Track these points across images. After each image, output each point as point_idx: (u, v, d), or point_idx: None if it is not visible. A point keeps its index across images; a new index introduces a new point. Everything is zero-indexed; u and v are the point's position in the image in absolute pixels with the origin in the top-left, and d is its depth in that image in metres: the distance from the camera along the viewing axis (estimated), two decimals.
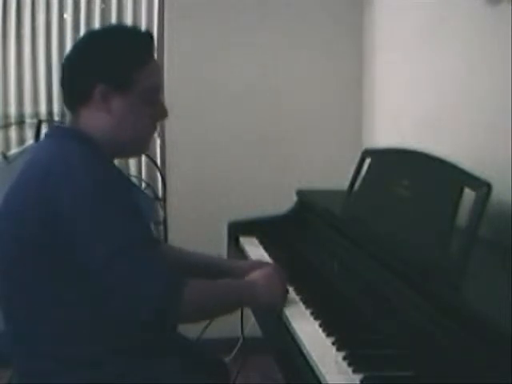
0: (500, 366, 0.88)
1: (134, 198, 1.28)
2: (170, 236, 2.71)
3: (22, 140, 2.78)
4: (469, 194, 1.19)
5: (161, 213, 2.74)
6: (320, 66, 2.83)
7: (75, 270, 1.17)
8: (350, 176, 1.81)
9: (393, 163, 1.59)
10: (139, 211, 1.25)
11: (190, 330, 1.82)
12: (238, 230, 2.08)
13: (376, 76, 2.68)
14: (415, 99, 2.24)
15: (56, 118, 2.77)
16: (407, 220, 1.40)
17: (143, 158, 2.84)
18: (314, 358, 1.12)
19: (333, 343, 1.18)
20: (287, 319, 1.33)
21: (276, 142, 2.83)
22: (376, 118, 2.69)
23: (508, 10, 1.58)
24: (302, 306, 1.38)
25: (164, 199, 2.78)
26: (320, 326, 1.27)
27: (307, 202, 2.08)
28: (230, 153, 2.81)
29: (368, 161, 1.75)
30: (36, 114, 2.78)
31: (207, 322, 2.16)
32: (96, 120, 1.27)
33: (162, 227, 2.71)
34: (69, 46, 2.69)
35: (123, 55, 1.28)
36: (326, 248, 1.75)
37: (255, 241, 2.01)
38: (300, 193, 2.15)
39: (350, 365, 1.08)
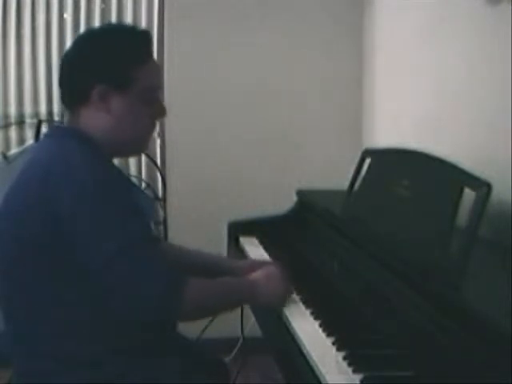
0: (500, 366, 0.88)
1: (133, 197, 1.28)
2: (170, 236, 2.71)
3: (21, 140, 2.78)
4: (469, 194, 1.19)
5: (161, 213, 2.74)
6: (320, 66, 2.83)
7: (75, 270, 1.17)
8: (350, 176, 1.81)
9: (393, 163, 1.59)
10: (139, 211, 1.25)
11: (190, 330, 1.82)
12: (238, 230, 2.08)
13: (376, 76, 2.68)
14: (415, 99, 2.24)
15: (56, 117, 2.77)
16: (407, 220, 1.40)
17: (143, 157, 2.85)
18: (314, 358, 1.12)
19: (333, 343, 1.18)
20: (287, 319, 1.33)
21: (276, 142, 2.83)
22: (376, 118, 2.69)
23: (508, 10, 1.58)
24: (301, 306, 1.38)
25: (164, 199, 2.78)
26: (320, 325, 1.27)
27: (307, 201, 2.08)
28: (230, 153, 2.81)
29: (368, 161, 1.75)
30: (36, 114, 2.78)
31: (207, 321, 2.17)
32: (95, 120, 1.27)
33: (161, 227, 2.71)
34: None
35: (121, 55, 1.28)
36: (326, 248, 1.75)
37: (255, 241, 2.01)
38: (300, 193, 2.15)
39: (350, 365, 1.08)
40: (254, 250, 1.91)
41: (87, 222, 1.14)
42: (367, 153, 1.78)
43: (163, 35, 2.77)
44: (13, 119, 2.79)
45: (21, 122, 2.78)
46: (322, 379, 1.06)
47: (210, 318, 2.09)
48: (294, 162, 2.84)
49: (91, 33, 1.42)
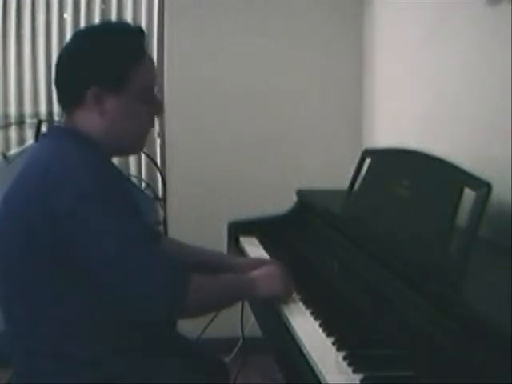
0: (500, 366, 0.88)
1: (132, 196, 1.28)
2: (170, 236, 2.71)
3: (21, 140, 2.79)
4: (469, 194, 1.19)
5: (161, 213, 2.74)
6: (320, 65, 2.83)
7: (75, 270, 1.17)
8: (350, 176, 1.81)
9: (393, 163, 1.59)
10: (138, 210, 1.25)
11: (190, 330, 1.83)
12: (238, 229, 2.08)
13: (376, 76, 2.68)
14: (415, 99, 2.24)
15: (56, 117, 2.77)
16: (407, 220, 1.40)
17: (143, 157, 2.85)
18: (314, 358, 1.12)
19: (333, 343, 1.18)
20: (287, 319, 1.33)
21: (276, 142, 2.83)
22: (376, 118, 2.69)
23: (508, 10, 1.58)
24: (302, 306, 1.38)
25: (164, 199, 2.78)
26: (320, 325, 1.27)
27: (307, 201, 2.08)
28: (230, 153, 2.81)
29: (368, 161, 1.75)
30: (36, 114, 2.78)
31: (207, 321, 2.17)
32: (91, 120, 1.27)
33: (161, 227, 2.71)
34: None
35: (115, 55, 1.27)
36: (325, 248, 1.75)
37: (255, 241, 2.01)
38: (300, 193, 2.15)
39: (350, 365, 1.08)
40: (254, 249, 1.91)
41: (87, 221, 1.14)
42: (367, 153, 1.78)
43: (163, 35, 2.77)
44: (13, 119, 2.79)
45: (21, 122, 2.78)
46: (321, 379, 1.06)
47: (210, 318, 2.11)
48: (293, 162, 2.84)
49: (84, 33, 1.38)
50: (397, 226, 1.43)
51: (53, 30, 2.77)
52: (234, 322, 2.07)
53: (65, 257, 1.16)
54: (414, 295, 1.18)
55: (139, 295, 1.18)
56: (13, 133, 2.78)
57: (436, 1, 2.05)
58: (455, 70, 1.93)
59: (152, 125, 1.40)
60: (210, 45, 2.76)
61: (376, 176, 1.66)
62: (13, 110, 2.78)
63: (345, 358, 1.10)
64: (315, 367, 1.10)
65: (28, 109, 2.79)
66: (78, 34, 1.37)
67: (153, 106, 1.35)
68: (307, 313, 1.34)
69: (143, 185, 2.78)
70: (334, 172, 2.51)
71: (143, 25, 2.78)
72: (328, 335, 1.22)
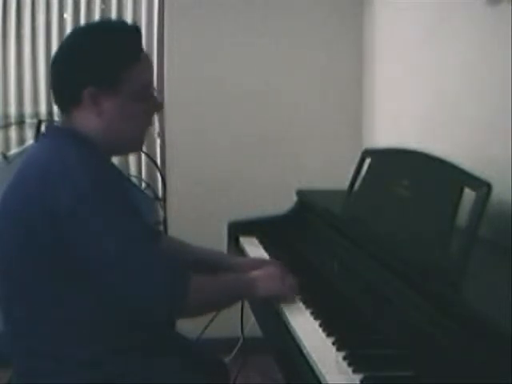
0: (500, 366, 0.88)
1: (132, 196, 1.28)
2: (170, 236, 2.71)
3: (21, 140, 2.79)
4: (469, 194, 1.19)
5: (161, 213, 2.74)
6: (320, 65, 2.83)
7: (75, 270, 1.17)
8: (350, 176, 1.81)
9: (393, 163, 1.59)
10: (138, 209, 1.26)
11: (190, 330, 1.83)
12: (238, 229, 2.08)
13: (376, 76, 2.68)
14: (415, 99, 2.24)
15: (56, 117, 2.77)
16: (407, 220, 1.40)
17: (143, 157, 2.85)
18: (314, 358, 1.12)
19: (333, 343, 1.18)
20: (287, 319, 1.33)
21: (276, 142, 2.83)
22: (376, 118, 2.69)
23: (508, 10, 1.58)
24: (302, 306, 1.38)
25: (164, 199, 2.78)
26: (320, 325, 1.27)
27: (307, 201, 2.08)
28: (230, 153, 2.81)
29: (368, 161, 1.75)
30: (36, 114, 2.78)
31: (207, 321, 2.17)
32: (88, 121, 1.26)
33: (161, 227, 2.71)
34: None
35: (111, 55, 1.26)
36: (325, 248, 1.75)
37: (255, 241, 2.00)
38: (300, 193, 2.15)
39: (350, 365, 1.08)
40: (254, 249, 1.91)
41: (87, 221, 1.14)
42: (367, 153, 1.78)
43: (163, 35, 2.77)
44: (13, 119, 2.79)
45: (21, 122, 2.78)
46: (321, 379, 1.06)
47: (210, 318, 2.11)
48: (293, 162, 2.84)
49: (80, 33, 1.36)
50: (397, 226, 1.43)
51: (53, 29, 2.76)
52: (234, 322, 2.07)
53: (65, 257, 1.16)
54: (414, 295, 1.18)
55: (139, 295, 1.18)
56: (13, 133, 2.78)
57: (436, 1, 2.05)
58: (455, 69, 1.93)
59: (150, 123, 1.40)
60: (210, 45, 2.76)
61: (376, 176, 1.66)
62: (13, 110, 2.78)
63: (345, 358, 1.10)
64: (315, 367, 1.10)
65: (28, 109, 2.79)
66: (73, 34, 1.35)
67: (150, 104, 1.34)
68: (307, 313, 1.34)
69: (143, 185, 2.78)
70: (334, 172, 2.51)
71: (143, 25, 2.78)
72: (328, 335, 1.22)
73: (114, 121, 1.27)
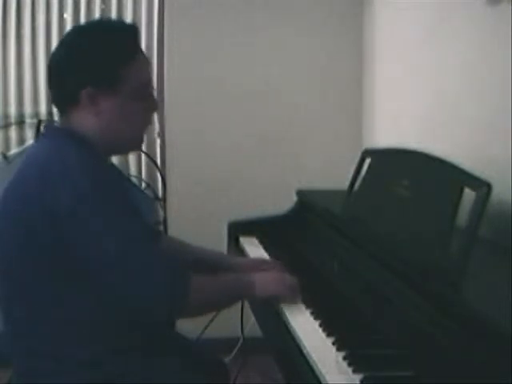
0: (500, 366, 0.88)
1: (131, 196, 1.28)
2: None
3: (21, 140, 2.79)
4: (469, 194, 1.19)
5: (161, 213, 2.74)
6: (320, 66, 2.83)
7: (75, 270, 1.17)
8: (350, 176, 1.81)
9: (393, 163, 1.59)
10: (137, 209, 1.26)
11: (190, 330, 1.83)
12: (238, 229, 2.08)
13: (376, 76, 2.68)
14: (415, 99, 2.24)
15: (56, 118, 2.77)
16: (407, 220, 1.40)
17: (143, 157, 2.85)
18: (314, 358, 1.12)
19: (333, 343, 1.18)
20: (287, 319, 1.33)
21: (276, 142, 2.83)
22: (376, 118, 2.69)
23: (508, 10, 1.58)
24: (302, 305, 1.38)
25: (164, 199, 2.78)
26: (320, 325, 1.27)
27: (307, 201, 2.08)
28: (229, 153, 2.81)
29: (368, 161, 1.75)
30: (36, 114, 2.78)
31: (207, 321, 2.17)
32: (87, 121, 1.26)
33: (161, 227, 2.71)
34: None
35: (109, 55, 1.26)
36: (325, 248, 1.75)
37: (255, 241, 2.01)
38: (300, 193, 2.15)
39: (350, 365, 1.08)
40: (254, 249, 1.91)
41: (87, 221, 1.14)
42: (367, 153, 1.78)
43: (163, 35, 2.77)
44: (13, 119, 2.79)
45: (21, 122, 2.78)
46: (321, 379, 1.06)
47: (210, 318, 2.11)
48: (294, 162, 2.84)
49: (77, 32, 1.35)
50: (397, 226, 1.43)
51: (53, 29, 2.76)
52: (234, 322, 2.07)
53: (65, 257, 1.16)
54: (414, 295, 1.18)
55: (139, 295, 1.18)
56: (13, 133, 2.78)
57: (436, 1, 2.05)
58: (455, 69, 1.93)
59: (149, 122, 1.39)
60: (210, 45, 2.76)
61: (376, 176, 1.66)
62: (13, 110, 2.78)
63: (345, 358, 1.10)
64: (315, 367, 1.10)
65: (28, 109, 2.79)
66: (71, 34, 1.34)
67: (149, 102, 1.34)
68: (307, 313, 1.34)
69: (143, 185, 2.78)
70: (334, 172, 2.51)
71: (143, 25, 2.78)
72: (328, 335, 1.22)
73: (112, 120, 1.27)
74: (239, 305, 1.91)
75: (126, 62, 1.27)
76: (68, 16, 2.79)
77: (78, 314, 1.20)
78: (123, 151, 1.51)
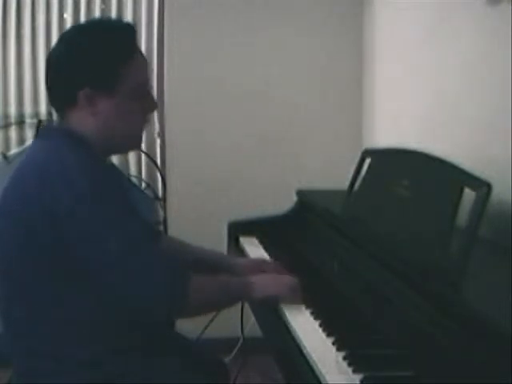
0: (500, 366, 0.88)
1: (129, 196, 1.28)
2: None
3: (21, 140, 2.78)
4: (469, 194, 1.19)
5: (161, 213, 2.74)
6: (320, 66, 2.83)
7: (75, 270, 1.17)
8: (350, 176, 1.81)
9: (393, 163, 1.59)
10: (136, 209, 1.26)
11: (190, 330, 1.83)
12: (238, 229, 2.08)
13: (376, 76, 2.68)
14: (415, 99, 2.24)
15: (56, 117, 2.77)
16: (407, 220, 1.40)
17: (143, 157, 2.85)
18: (314, 358, 1.12)
19: (333, 343, 1.18)
20: (287, 319, 1.33)
21: (276, 142, 2.83)
22: (376, 118, 2.69)
23: (508, 10, 1.58)
24: (302, 306, 1.38)
25: (164, 199, 2.78)
26: (320, 325, 1.27)
27: (307, 201, 2.08)
28: (230, 153, 2.81)
29: (368, 161, 1.75)
30: (36, 114, 2.78)
31: (207, 321, 2.17)
32: (85, 121, 1.26)
33: (161, 227, 2.71)
34: None
35: (107, 56, 1.25)
36: (326, 248, 1.75)
37: (255, 241, 2.01)
38: (300, 193, 2.15)
39: (350, 365, 1.08)
40: (254, 249, 1.91)
41: (87, 222, 1.14)
42: (367, 153, 1.78)
43: (163, 35, 2.77)
44: (13, 119, 2.79)
45: (21, 122, 2.78)
46: (321, 379, 1.06)
47: (210, 318, 2.11)
48: (294, 162, 2.84)
49: (74, 33, 1.34)
50: (397, 226, 1.43)
51: (53, 30, 2.76)
52: (234, 322, 2.07)
53: (65, 257, 1.16)
54: (414, 295, 1.18)
55: (139, 295, 1.18)
56: (13, 133, 2.78)
57: (436, 1, 2.05)
58: (455, 69, 1.93)
59: (146, 121, 1.39)
60: (210, 45, 2.76)
61: (376, 176, 1.66)
62: (13, 109, 2.78)
63: (345, 358, 1.10)
64: (315, 367, 1.10)
65: (28, 109, 2.79)
66: (68, 34, 1.34)
67: (147, 102, 1.34)
68: (307, 313, 1.34)
69: (143, 185, 2.77)
70: (334, 172, 2.51)
71: (143, 25, 2.78)
72: (328, 335, 1.22)
73: (110, 120, 1.27)
74: (239, 305, 1.91)
75: (124, 63, 1.27)
76: (68, 16, 2.79)
77: (78, 314, 1.20)
78: (122, 151, 1.50)
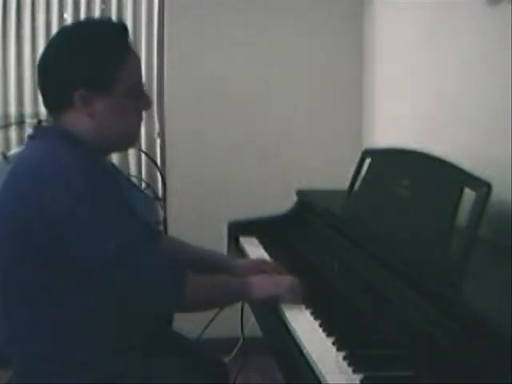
0: (500, 366, 0.88)
1: (127, 195, 1.28)
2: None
3: (21, 140, 2.78)
4: (469, 194, 1.19)
5: (161, 213, 2.74)
6: (320, 65, 2.83)
7: (75, 270, 1.17)
8: (350, 176, 1.81)
9: (393, 163, 1.59)
10: (133, 208, 1.26)
11: (190, 330, 1.82)
12: (238, 229, 2.08)
13: (376, 76, 2.68)
14: (415, 99, 2.24)
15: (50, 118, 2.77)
16: (407, 220, 1.40)
17: (143, 157, 2.85)
18: (314, 358, 1.12)
19: (333, 343, 1.18)
20: (287, 319, 1.33)
21: (276, 142, 2.83)
22: (376, 118, 2.69)
23: (508, 10, 1.58)
24: (302, 305, 1.38)
25: (164, 199, 2.78)
26: (320, 325, 1.27)
27: (307, 201, 2.08)
28: (230, 153, 2.81)
29: (368, 161, 1.75)
30: (36, 114, 2.78)
31: (207, 321, 2.18)
32: (80, 122, 1.26)
33: (161, 227, 2.71)
34: None
35: (100, 56, 1.25)
36: (325, 248, 1.75)
37: (255, 241, 2.00)
38: (300, 193, 2.15)
39: (350, 365, 1.08)
40: (254, 250, 1.91)
41: (86, 222, 1.14)
42: (367, 153, 1.78)
43: (163, 35, 2.77)
44: (13, 119, 2.79)
45: (21, 122, 2.78)
46: (321, 379, 1.06)
47: (210, 318, 2.11)
48: (293, 162, 2.83)
49: (66, 34, 1.33)
50: (397, 226, 1.43)
51: (53, 30, 2.76)
52: (234, 322, 2.07)
53: (64, 257, 1.16)
54: (414, 295, 1.18)
55: (138, 294, 1.19)
56: (13, 133, 2.78)
57: (436, 1, 2.05)
58: (455, 69, 1.93)
59: (141, 120, 1.38)
60: (210, 45, 2.76)
61: (376, 176, 1.66)
62: (13, 110, 2.78)
63: (345, 358, 1.10)
64: (315, 367, 1.10)
65: (28, 109, 2.79)
66: (60, 35, 1.33)
67: (141, 100, 1.34)
68: (307, 313, 1.34)
69: (143, 185, 2.77)
70: (334, 172, 2.51)
71: (143, 25, 2.78)
72: (328, 335, 1.22)
73: (106, 120, 1.27)
74: (239, 305, 1.91)
75: (118, 62, 1.26)
76: (68, 16, 2.78)
77: (78, 314, 1.20)
78: (119, 149, 1.50)
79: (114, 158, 2.74)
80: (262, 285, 1.38)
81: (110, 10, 2.80)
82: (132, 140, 1.39)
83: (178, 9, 2.73)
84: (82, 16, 2.77)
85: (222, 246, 2.04)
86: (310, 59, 2.82)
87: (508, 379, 0.85)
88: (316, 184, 2.24)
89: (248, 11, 2.76)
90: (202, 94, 2.77)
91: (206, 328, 2.26)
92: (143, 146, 2.81)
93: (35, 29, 2.76)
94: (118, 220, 1.18)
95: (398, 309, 1.23)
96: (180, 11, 2.73)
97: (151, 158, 2.75)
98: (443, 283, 1.13)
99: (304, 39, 2.80)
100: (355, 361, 1.08)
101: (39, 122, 2.50)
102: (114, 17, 2.79)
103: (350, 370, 1.06)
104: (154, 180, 2.85)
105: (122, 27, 1.32)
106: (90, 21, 1.77)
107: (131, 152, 2.79)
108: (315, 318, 1.31)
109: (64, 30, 1.37)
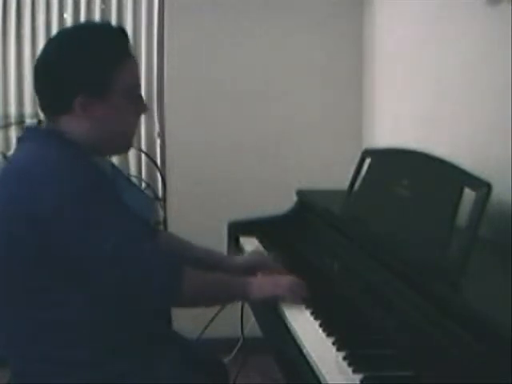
0: (500, 366, 0.88)
1: (123, 194, 1.28)
2: None
3: None
4: (469, 194, 1.19)
5: (161, 213, 2.74)
6: (320, 66, 2.83)
7: (74, 271, 1.17)
8: (350, 176, 1.81)
9: (393, 163, 1.59)
10: (127, 206, 1.26)
11: (190, 330, 1.83)
12: (238, 229, 2.08)
13: (376, 76, 2.68)
14: (415, 99, 2.24)
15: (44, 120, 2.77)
16: (407, 220, 1.40)
17: (143, 157, 2.85)
18: (314, 358, 1.12)
19: (333, 343, 1.18)
20: (287, 319, 1.33)
21: (276, 142, 2.83)
22: (376, 118, 2.69)
23: (508, 10, 1.58)
24: (302, 306, 1.38)
25: (164, 199, 2.78)
26: (320, 325, 1.27)
27: (307, 201, 2.08)
28: (230, 153, 2.81)
29: (368, 161, 1.75)
30: (36, 114, 2.78)
31: (207, 321, 2.18)
32: (79, 125, 1.26)
33: (161, 227, 2.71)
34: None
35: (98, 61, 1.25)
36: (326, 248, 1.75)
37: (255, 241, 2.00)
38: (300, 193, 2.15)
39: (350, 365, 1.08)
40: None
41: (74, 222, 1.14)
42: (367, 153, 1.78)
43: (163, 35, 2.77)
44: (13, 119, 2.79)
45: (21, 122, 2.77)
46: (321, 379, 1.06)
47: (210, 318, 2.11)
48: (293, 162, 2.83)
49: (64, 39, 1.33)
50: (397, 226, 1.43)
51: (53, 30, 2.76)
52: (234, 321, 2.07)
53: (58, 257, 1.16)
54: (413, 295, 1.18)
55: (139, 295, 1.19)
56: (13, 133, 2.78)
57: (436, 1, 2.05)
58: (455, 69, 1.93)
59: (138, 123, 1.39)
60: (209, 45, 2.75)
61: (376, 176, 1.66)
62: (13, 110, 2.78)
63: (345, 358, 1.10)
64: (315, 367, 1.10)
65: (28, 109, 2.79)
66: (57, 40, 1.32)
67: (138, 104, 1.34)
68: (307, 313, 1.34)
69: (143, 185, 2.78)
70: (334, 172, 2.51)
71: (143, 25, 2.78)
72: (328, 335, 1.22)
73: (104, 124, 1.27)
74: (239, 305, 1.91)
75: (117, 68, 1.27)
76: (68, 16, 2.78)
77: (78, 314, 1.20)
78: (112, 153, 1.49)
79: (114, 157, 2.73)
80: (261, 285, 1.38)
81: (109, 10, 2.80)
82: (128, 143, 1.39)
83: (178, 9, 2.73)
84: (82, 16, 2.77)
85: (222, 245, 2.04)
86: (310, 59, 2.82)
87: (508, 379, 0.85)
88: (316, 184, 2.24)
89: (248, 11, 2.76)
90: (201, 94, 2.77)
91: (205, 328, 2.26)
92: (143, 146, 2.81)
93: (35, 29, 2.76)
94: (111, 219, 1.18)
95: (397, 309, 1.23)
96: (180, 11, 2.73)
97: (151, 158, 2.75)
98: (443, 283, 1.13)
99: (304, 39, 2.80)
100: (355, 361, 1.08)
101: (39, 122, 2.50)
102: (114, 16, 2.80)
103: (349, 370, 1.06)
104: (154, 180, 2.85)
105: (120, 32, 1.32)
106: (89, 25, 1.77)
107: (131, 152, 2.79)
108: (315, 318, 1.31)
109: (62, 34, 1.37)
